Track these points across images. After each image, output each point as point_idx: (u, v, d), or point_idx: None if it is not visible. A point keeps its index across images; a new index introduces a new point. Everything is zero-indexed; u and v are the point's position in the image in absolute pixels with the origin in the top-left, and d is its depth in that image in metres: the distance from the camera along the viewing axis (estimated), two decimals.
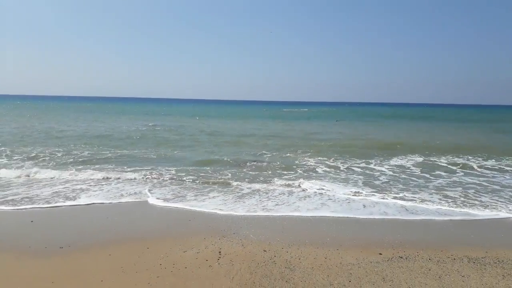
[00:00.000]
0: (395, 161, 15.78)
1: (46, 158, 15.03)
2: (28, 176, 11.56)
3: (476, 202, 9.35)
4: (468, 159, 16.33)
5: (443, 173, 13.22)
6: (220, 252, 5.95)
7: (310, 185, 10.85)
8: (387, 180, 11.87)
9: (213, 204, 8.93)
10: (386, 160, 15.81)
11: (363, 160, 15.69)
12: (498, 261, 5.70)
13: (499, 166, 14.88)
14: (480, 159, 16.51)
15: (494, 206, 9.01)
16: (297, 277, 5.05)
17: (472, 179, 12.28)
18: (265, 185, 10.94)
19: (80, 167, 13.25)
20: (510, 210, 8.72)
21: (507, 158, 16.87)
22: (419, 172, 13.31)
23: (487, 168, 14.25)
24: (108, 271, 5.20)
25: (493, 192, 10.51)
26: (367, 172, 13.28)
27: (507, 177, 12.74)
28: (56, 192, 9.74)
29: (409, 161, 15.83)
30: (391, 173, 13.16)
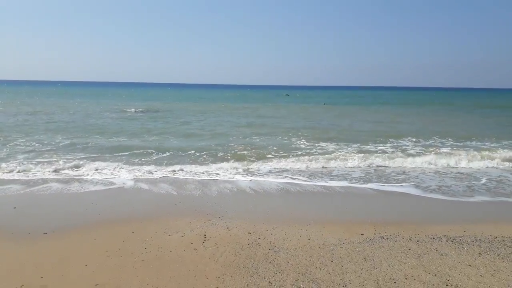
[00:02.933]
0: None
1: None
2: None
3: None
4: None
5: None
6: (205, 235, 6.00)
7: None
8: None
9: None
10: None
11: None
12: (475, 239, 5.89)
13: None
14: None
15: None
16: (281, 258, 5.14)
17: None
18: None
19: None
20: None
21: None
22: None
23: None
24: (92, 256, 5.20)
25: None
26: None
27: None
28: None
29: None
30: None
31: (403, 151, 14.35)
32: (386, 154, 13.28)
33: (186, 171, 10.63)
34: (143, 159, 12.23)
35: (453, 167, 11.62)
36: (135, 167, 11.08)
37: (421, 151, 14.38)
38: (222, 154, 13.37)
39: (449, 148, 15.04)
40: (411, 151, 14.27)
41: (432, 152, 13.80)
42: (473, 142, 16.76)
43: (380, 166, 11.68)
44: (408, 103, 56.46)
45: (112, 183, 9.32)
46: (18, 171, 10.18)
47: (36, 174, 9.95)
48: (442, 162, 11.95)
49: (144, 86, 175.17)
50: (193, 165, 11.41)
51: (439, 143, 16.49)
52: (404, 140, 17.17)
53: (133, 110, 33.15)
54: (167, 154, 13.21)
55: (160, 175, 10.14)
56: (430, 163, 11.85)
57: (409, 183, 9.74)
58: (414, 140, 17.33)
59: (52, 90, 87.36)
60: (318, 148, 14.97)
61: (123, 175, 10.09)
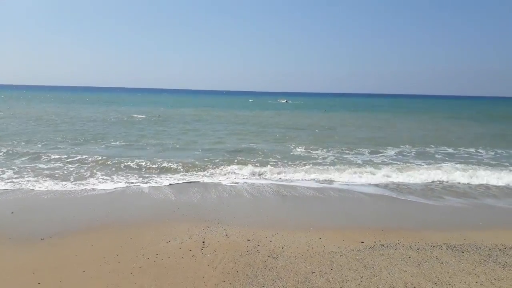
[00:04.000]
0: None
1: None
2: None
3: None
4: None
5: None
6: (204, 242, 5.96)
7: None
8: None
9: None
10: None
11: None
12: (476, 247, 5.86)
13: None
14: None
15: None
16: (280, 266, 5.10)
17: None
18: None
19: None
20: None
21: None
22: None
23: None
24: (90, 262, 5.16)
25: None
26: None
27: None
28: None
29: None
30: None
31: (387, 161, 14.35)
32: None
33: (185, 177, 10.60)
34: (143, 165, 12.18)
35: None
36: (134, 172, 11.05)
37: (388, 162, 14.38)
38: (222, 161, 13.32)
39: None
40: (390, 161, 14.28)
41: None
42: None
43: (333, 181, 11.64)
44: (412, 111, 56.56)
45: (110, 189, 9.28)
46: (16, 177, 10.16)
47: (33, 179, 9.90)
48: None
49: (145, 92, 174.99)
50: (192, 171, 11.39)
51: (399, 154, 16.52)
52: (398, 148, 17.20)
53: (136, 116, 33.03)
54: (166, 160, 13.16)
55: (158, 181, 10.10)
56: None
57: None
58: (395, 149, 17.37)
59: (53, 95, 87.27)
60: (314, 155, 14.97)
61: (121, 181, 10.06)
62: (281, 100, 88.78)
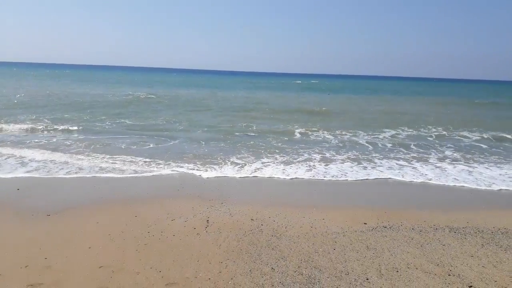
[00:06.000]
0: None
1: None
2: None
3: None
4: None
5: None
6: (208, 220, 6.01)
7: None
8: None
9: None
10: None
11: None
12: (478, 230, 5.88)
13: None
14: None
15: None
16: (283, 245, 5.15)
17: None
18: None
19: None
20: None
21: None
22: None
23: None
24: (96, 238, 5.23)
25: None
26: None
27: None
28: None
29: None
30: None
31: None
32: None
33: (191, 158, 10.62)
34: (150, 146, 12.21)
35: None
36: (140, 152, 11.08)
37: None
38: (227, 145, 13.34)
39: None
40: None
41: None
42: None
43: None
44: (417, 93, 55.97)
45: (114, 168, 9.32)
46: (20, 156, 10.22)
47: (39, 156, 9.96)
48: None
49: (158, 72, 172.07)
50: (198, 152, 11.40)
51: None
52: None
53: (147, 96, 32.52)
54: (175, 141, 13.19)
55: (164, 161, 10.13)
56: None
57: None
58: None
59: (58, 73, 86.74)
60: (316, 139, 14.96)
61: (126, 160, 10.09)
62: (296, 81, 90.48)
